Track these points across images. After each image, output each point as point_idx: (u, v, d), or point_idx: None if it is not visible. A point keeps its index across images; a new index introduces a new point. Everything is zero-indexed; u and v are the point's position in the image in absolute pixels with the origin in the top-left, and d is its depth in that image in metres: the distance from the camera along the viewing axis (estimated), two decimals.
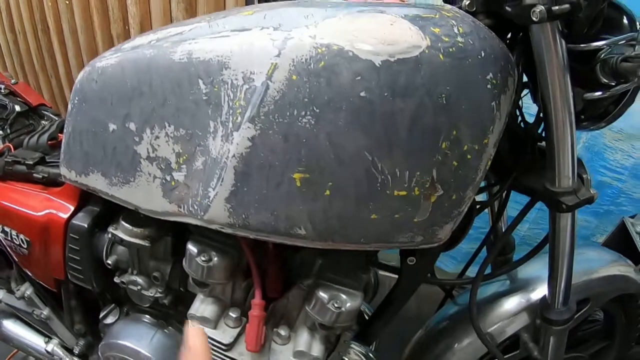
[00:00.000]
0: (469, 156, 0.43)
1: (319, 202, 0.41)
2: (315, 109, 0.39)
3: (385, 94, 0.39)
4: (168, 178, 0.47)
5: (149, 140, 0.47)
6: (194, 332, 0.35)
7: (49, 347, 0.74)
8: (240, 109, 0.40)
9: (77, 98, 0.54)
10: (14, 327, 0.78)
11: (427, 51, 0.40)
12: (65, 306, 0.69)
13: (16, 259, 0.67)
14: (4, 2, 1.57)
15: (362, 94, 0.39)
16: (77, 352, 0.72)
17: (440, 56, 0.40)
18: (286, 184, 0.40)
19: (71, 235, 0.60)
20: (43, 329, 0.76)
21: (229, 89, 0.41)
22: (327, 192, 0.40)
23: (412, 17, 0.42)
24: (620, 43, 0.43)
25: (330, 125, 0.39)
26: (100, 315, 0.67)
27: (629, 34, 0.43)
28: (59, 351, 0.74)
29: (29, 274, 0.68)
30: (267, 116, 0.39)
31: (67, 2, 1.35)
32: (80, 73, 0.54)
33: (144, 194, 0.49)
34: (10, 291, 0.75)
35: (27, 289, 0.72)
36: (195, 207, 0.44)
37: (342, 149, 0.39)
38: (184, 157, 0.45)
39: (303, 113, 0.39)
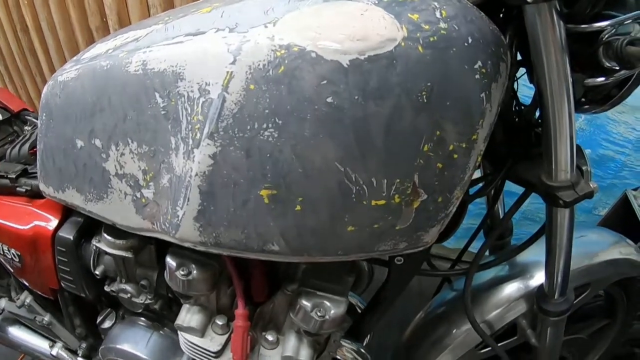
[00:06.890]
0: (455, 156, 0.40)
1: (290, 218, 0.38)
2: (277, 120, 0.36)
3: (356, 98, 0.36)
4: (138, 195, 0.45)
5: (115, 157, 0.45)
6: None
7: (54, 351, 0.77)
8: (199, 124, 0.37)
9: (44, 114, 0.51)
10: (19, 333, 0.81)
11: (403, 44, 0.36)
12: (64, 312, 0.70)
13: (12, 271, 0.68)
14: None
15: (329, 99, 0.36)
16: (80, 354, 0.74)
17: (419, 48, 0.36)
18: (253, 202, 0.38)
19: (58, 247, 0.60)
20: (46, 333, 0.78)
21: (186, 102, 0.38)
22: (298, 208, 0.38)
23: (387, 3, 0.38)
24: (625, 22, 0.38)
25: (295, 137, 0.36)
26: (98, 320, 0.68)
27: (636, 12, 0.37)
28: (64, 354, 0.76)
29: (26, 283, 0.69)
30: (226, 131, 0.37)
31: None
32: (44, 87, 0.52)
33: (119, 210, 0.48)
34: (12, 299, 0.77)
35: (26, 297, 0.73)
36: (167, 225, 0.43)
37: (310, 162, 0.37)
38: (150, 175, 0.43)
39: (264, 126, 0.36)
